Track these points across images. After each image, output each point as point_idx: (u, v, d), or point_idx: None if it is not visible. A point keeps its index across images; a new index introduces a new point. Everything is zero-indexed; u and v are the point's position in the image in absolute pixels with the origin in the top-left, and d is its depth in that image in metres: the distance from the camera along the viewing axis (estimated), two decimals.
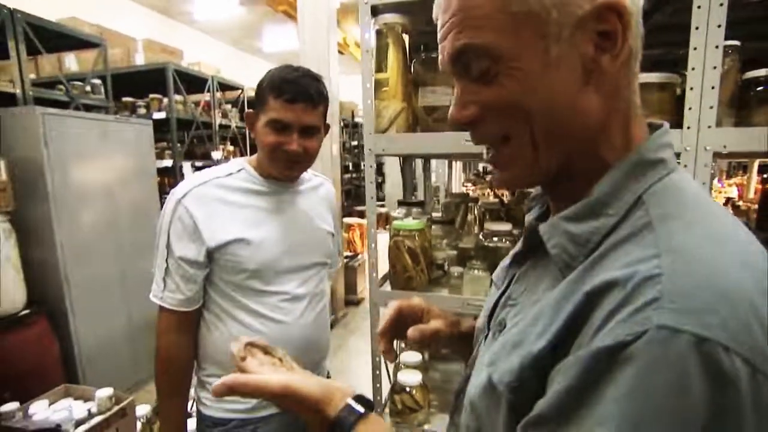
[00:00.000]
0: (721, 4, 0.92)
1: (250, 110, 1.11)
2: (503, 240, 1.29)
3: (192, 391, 1.17)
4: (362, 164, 8.96)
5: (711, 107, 0.95)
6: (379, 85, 1.23)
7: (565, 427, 0.34)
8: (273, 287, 1.09)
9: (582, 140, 0.43)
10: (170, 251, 1.04)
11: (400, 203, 1.52)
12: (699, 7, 0.93)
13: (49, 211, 2.19)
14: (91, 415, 1.66)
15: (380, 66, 1.22)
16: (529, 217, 0.59)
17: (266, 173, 1.11)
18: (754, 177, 3.07)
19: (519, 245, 0.56)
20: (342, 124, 6.81)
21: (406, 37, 1.24)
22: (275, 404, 0.52)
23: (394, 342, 0.67)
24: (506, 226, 1.29)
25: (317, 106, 1.05)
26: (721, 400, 0.29)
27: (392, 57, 1.21)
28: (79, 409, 1.68)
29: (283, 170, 1.08)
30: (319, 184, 1.28)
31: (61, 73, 3.19)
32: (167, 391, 1.11)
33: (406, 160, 1.82)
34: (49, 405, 1.67)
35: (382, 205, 6.78)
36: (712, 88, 0.94)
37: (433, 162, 3.03)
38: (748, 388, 0.29)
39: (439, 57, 0.46)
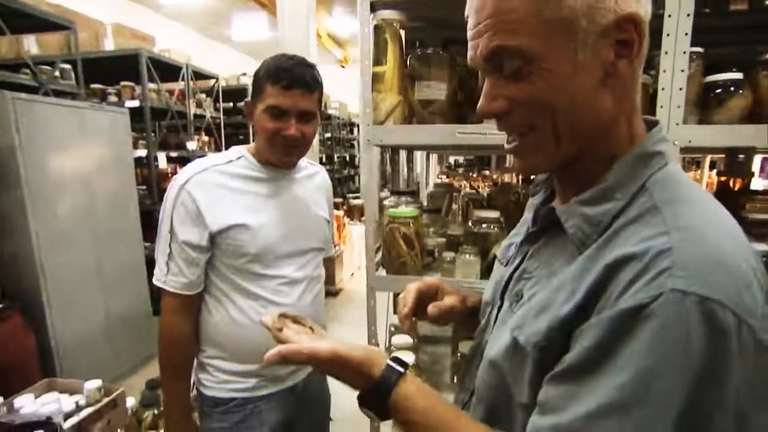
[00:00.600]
0: (688, 15, 1.03)
1: (248, 100, 1.14)
2: (491, 226, 1.38)
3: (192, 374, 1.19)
4: (335, 156, 8.96)
5: (679, 106, 1.06)
6: (376, 78, 1.28)
7: (592, 375, 0.40)
8: (272, 271, 1.13)
9: (595, 134, 0.49)
10: (174, 235, 1.07)
11: (392, 192, 1.58)
12: (669, 16, 1.04)
13: (23, 199, 2.11)
14: (79, 408, 1.65)
15: (378, 60, 1.27)
16: (534, 201, 0.66)
17: (265, 160, 1.14)
18: (706, 172, 3.35)
19: (528, 228, 0.62)
20: None
21: (402, 33, 1.29)
22: (320, 370, 0.56)
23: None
24: (494, 214, 1.39)
25: (313, 92, 1.09)
26: (715, 342, 0.37)
27: (390, 52, 1.26)
28: (66, 402, 1.66)
29: (281, 156, 1.12)
30: (315, 173, 1.33)
31: (24, 55, 3.02)
32: (172, 373, 1.14)
33: (394, 152, 1.88)
34: (35, 399, 1.63)
35: (357, 197, 6.81)
36: (680, 89, 1.06)
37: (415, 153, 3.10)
38: (735, 334, 0.37)
39: (470, 53, 0.51)
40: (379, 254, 1.48)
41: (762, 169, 5.37)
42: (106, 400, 1.66)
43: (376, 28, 1.26)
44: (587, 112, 0.47)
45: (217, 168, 1.11)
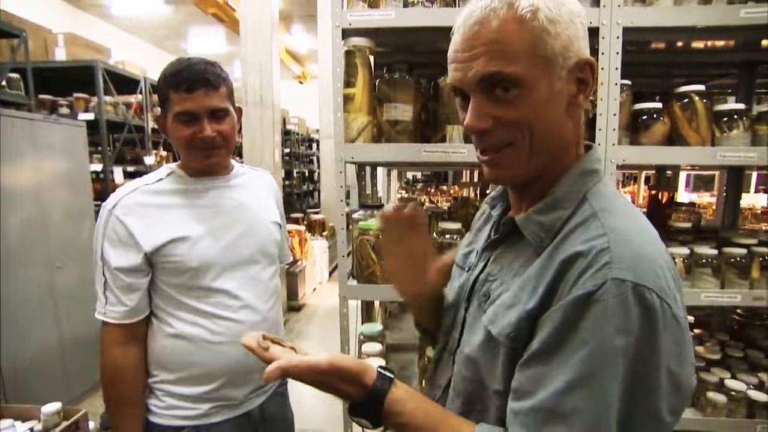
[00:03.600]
0: (617, 53, 1.21)
1: (158, 115, 1.11)
2: (454, 237, 1.49)
3: None
4: (294, 171, 8.92)
5: (614, 129, 1.23)
6: (347, 99, 1.36)
7: (556, 356, 0.49)
8: (219, 284, 1.08)
9: (557, 153, 0.59)
10: (105, 263, 1.03)
11: (362, 206, 1.66)
12: (603, 53, 1.21)
13: None
14: None
15: (348, 82, 1.36)
16: (495, 212, 0.74)
17: (194, 172, 1.11)
18: (642, 186, 3.71)
19: (489, 234, 0.71)
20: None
21: (371, 58, 1.40)
22: (314, 383, 0.56)
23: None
24: (456, 225, 1.50)
25: (218, 88, 1.04)
26: (647, 317, 0.47)
27: (360, 75, 1.35)
28: (20, 428, 1.57)
29: (203, 160, 1.07)
30: (258, 176, 1.28)
31: None
32: (121, 409, 1.06)
33: (361, 168, 1.97)
34: None
35: (317, 212, 6.82)
36: (614, 114, 1.23)
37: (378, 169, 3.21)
38: (660, 311, 0.48)
39: (456, 74, 0.58)
40: (349, 265, 1.54)
41: (687, 184, 5.97)
42: (65, 423, 1.59)
43: (348, 53, 1.35)
44: (556, 133, 0.58)
45: (146, 188, 1.07)
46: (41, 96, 3.46)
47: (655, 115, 1.28)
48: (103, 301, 1.04)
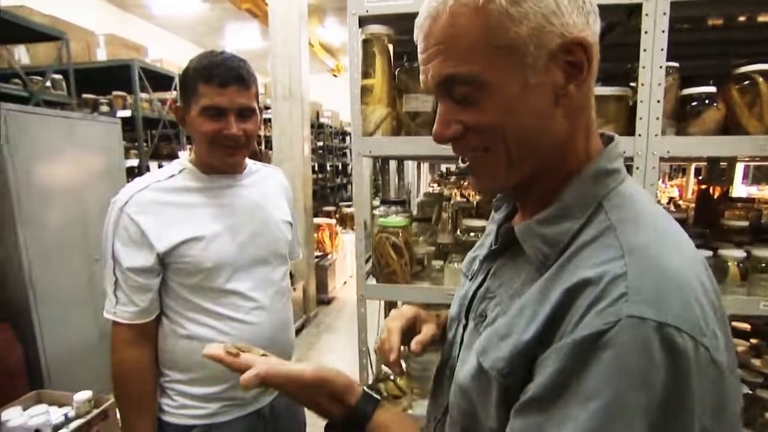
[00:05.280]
0: (663, 31, 1.07)
1: (177, 105, 1.08)
2: (479, 235, 1.41)
3: None
4: (327, 165, 8.97)
5: (657, 118, 1.10)
6: (365, 90, 1.30)
7: (556, 405, 0.40)
8: (232, 285, 1.06)
9: (550, 153, 0.49)
10: (117, 262, 1.01)
11: (383, 202, 1.60)
12: (646, 32, 1.08)
13: (12, 211, 2.10)
14: (68, 420, 1.64)
15: (367, 73, 1.30)
16: (497, 216, 0.65)
17: (209, 169, 1.08)
18: (692, 179, 3.43)
19: (491, 243, 0.61)
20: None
21: (390, 47, 1.33)
22: (294, 395, 0.52)
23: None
24: (482, 223, 1.41)
25: (249, 86, 1.03)
26: (676, 365, 0.37)
27: (378, 65, 1.29)
28: (55, 414, 1.64)
29: (224, 158, 1.05)
30: (268, 174, 1.26)
31: (10, 66, 3.02)
32: (132, 409, 1.05)
33: (384, 162, 1.91)
34: (23, 411, 1.62)
35: (349, 205, 6.83)
36: (658, 102, 1.10)
37: (405, 163, 3.14)
38: (693, 356, 0.37)
39: (421, 77, 0.50)
40: (370, 263, 1.50)
41: (745, 176, 5.49)
42: (96, 411, 1.65)
43: (365, 42, 1.29)
44: (540, 133, 0.48)
45: (158, 185, 1.04)
46: (84, 95, 3.62)
47: (707, 101, 1.14)
48: (114, 301, 1.02)
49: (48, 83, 2.86)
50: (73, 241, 2.43)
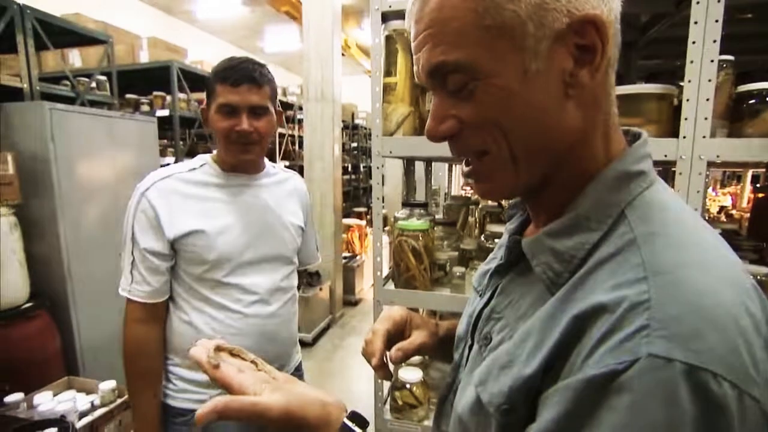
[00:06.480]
0: (717, 21, 0.96)
1: (203, 107, 1.14)
2: None
3: None
4: (361, 166, 9.01)
5: (706, 118, 0.99)
6: (387, 89, 1.26)
7: None
8: (234, 279, 1.11)
9: (563, 153, 0.43)
10: (135, 243, 1.06)
11: (404, 204, 1.55)
12: (696, 22, 0.98)
13: (54, 206, 2.20)
14: (94, 407, 1.69)
15: (389, 70, 1.26)
16: (509, 226, 0.58)
17: (228, 167, 1.13)
18: (747, 187, 3.14)
19: (500, 256, 0.54)
20: (342, 125, 6.85)
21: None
22: (269, 426, 0.46)
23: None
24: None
25: (262, 86, 1.07)
26: (711, 423, 0.29)
27: (400, 62, 1.25)
28: (82, 401, 1.70)
29: (238, 154, 1.09)
30: (286, 178, 1.29)
31: (65, 68, 3.20)
32: (139, 385, 1.10)
33: (410, 163, 1.86)
34: (53, 396, 1.68)
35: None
36: (707, 100, 0.99)
37: (434, 165, 3.08)
38: (736, 411, 0.30)
39: (415, 68, 0.45)
40: (388, 267, 1.45)
41: None
42: (119, 401, 1.70)
43: (388, 38, 1.25)
44: (548, 129, 0.41)
45: (180, 176, 1.10)
46: (127, 95, 3.79)
47: None
48: (129, 279, 1.07)
49: (93, 84, 3.00)
50: (108, 236, 2.52)
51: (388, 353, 0.62)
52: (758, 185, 2.62)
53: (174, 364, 1.14)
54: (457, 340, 0.60)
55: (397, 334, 0.64)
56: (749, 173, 3.17)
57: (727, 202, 3.71)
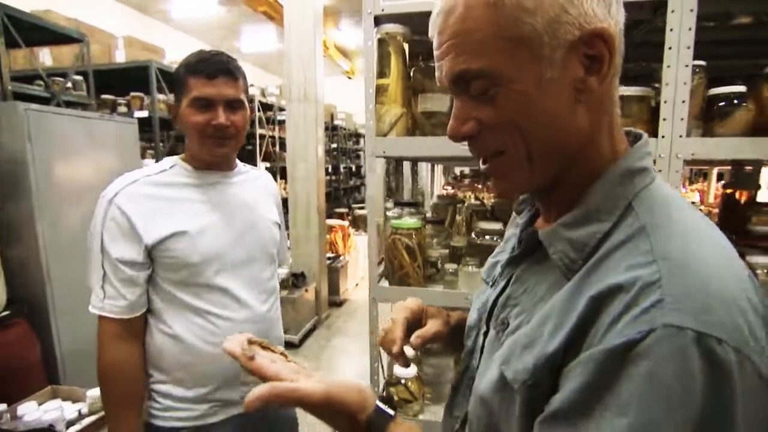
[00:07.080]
0: (690, 29, 1.03)
1: (171, 104, 1.10)
2: (494, 238, 1.38)
3: None
4: (341, 167, 8.99)
5: (682, 119, 1.06)
6: (380, 90, 1.29)
7: (585, 419, 0.37)
8: (219, 281, 1.05)
9: (573, 152, 0.47)
10: (105, 254, 0.99)
11: (396, 203, 1.59)
12: (671, 29, 1.05)
13: (32, 208, 2.14)
14: (81, 416, 1.65)
15: (381, 72, 1.29)
16: (519, 219, 0.62)
17: (201, 164, 1.09)
18: (713, 183, 3.32)
19: (511, 248, 0.60)
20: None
21: (406, 46, 1.31)
22: (308, 410, 0.49)
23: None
24: (497, 225, 1.38)
25: (237, 79, 1.04)
26: (717, 381, 0.34)
27: (393, 64, 1.28)
28: (69, 409, 1.66)
29: (214, 148, 1.05)
30: (258, 176, 1.27)
31: (37, 67, 3.09)
32: (120, 409, 1.02)
33: (398, 163, 1.89)
34: (38, 406, 1.64)
35: (362, 207, 6.82)
36: (683, 102, 1.06)
37: (419, 165, 3.12)
38: (738, 371, 0.34)
39: (437, 74, 0.49)
40: (382, 265, 1.48)
41: None
42: None
43: (380, 41, 1.28)
44: (561, 131, 0.46)
45: (148, 179, 1.04)
46: (104, 96, 3.69)
47: (736, 101, 1.09)
48: (101, 295, 1.00)
49: (69, 84, 2.92)
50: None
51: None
52: (725, 182, 2.78)
53: (157, 381, 1.07)
54: (468, 328, 0.64)
55: (414, 322, 0.68)
56: (715, 171, 3.36)
57: (696, 198, 3.92)
